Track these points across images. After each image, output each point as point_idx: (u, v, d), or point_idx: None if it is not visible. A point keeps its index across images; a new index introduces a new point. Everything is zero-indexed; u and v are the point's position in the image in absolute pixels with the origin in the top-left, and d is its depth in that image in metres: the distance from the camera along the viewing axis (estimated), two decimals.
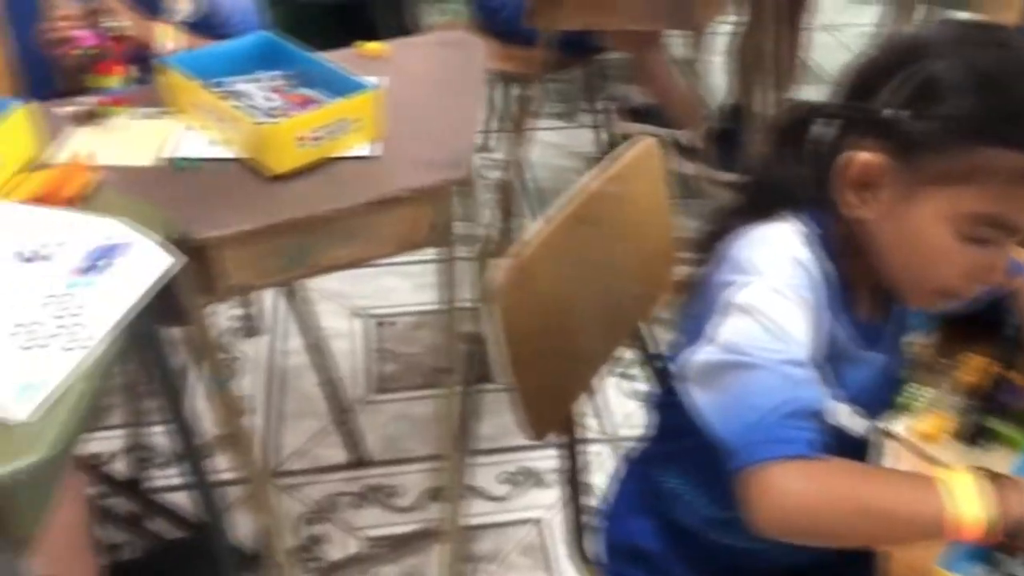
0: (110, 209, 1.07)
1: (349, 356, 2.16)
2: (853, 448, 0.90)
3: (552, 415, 1.05)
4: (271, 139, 1.18)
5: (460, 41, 1.61)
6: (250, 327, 2.21)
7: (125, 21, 1.31)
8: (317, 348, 1.87)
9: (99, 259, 0.98)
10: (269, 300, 2.27)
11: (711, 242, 0.89)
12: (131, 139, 1.27)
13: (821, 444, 0.76)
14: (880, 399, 0.95)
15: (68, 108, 1.30)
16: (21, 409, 0.83)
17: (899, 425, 0.96)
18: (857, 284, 0.88)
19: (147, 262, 1.01)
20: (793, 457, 0.73)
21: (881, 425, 0.96)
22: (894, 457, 0.95)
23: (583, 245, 1.05)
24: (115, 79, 1.26)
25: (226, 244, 1.17)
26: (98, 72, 1.25)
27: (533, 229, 1.01)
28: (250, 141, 1.22)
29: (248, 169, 1.24)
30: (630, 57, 2.50)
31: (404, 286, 2.39)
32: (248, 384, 2.06)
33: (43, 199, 1.09)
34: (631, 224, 1.12)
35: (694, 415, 0.81)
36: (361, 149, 1.28)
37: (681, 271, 1.17)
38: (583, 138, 2.91)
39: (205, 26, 1.51)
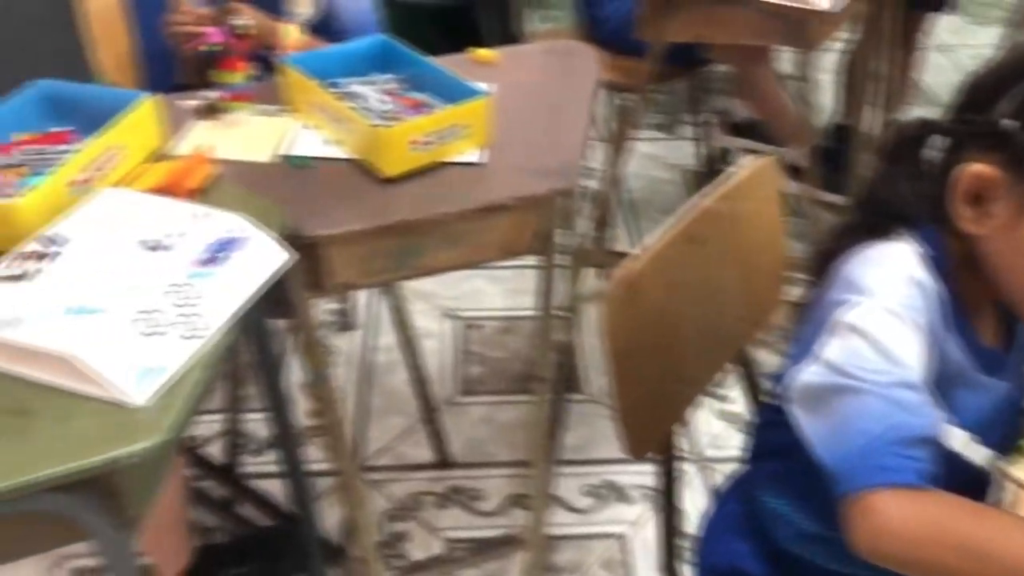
0: (229, 203, 1.10)
1: (437, 356, 2.18)
2: (970, 480, 0.87)
3: (651, 433, 1.03)
4: (385, 142, 1.19)
5: (572, 51, 1.61)
6: (344, 322, 2.25)
7: (249, 20, 1.34)
8: (409, 347, 1.89)
9: (219, 252, 1.01)
10: (363, 296, 2.31)
11: (823, 262, 0.88)
12: (249, 135, 1.31)
13: (932, 474, 0.74)
14: (1000, 430, 0.92)
15: (190, 102, 1.34)
16: (141, 394, 0.86)
17: (1022, 470, 0.92)
18: (976, 305, 0.86)
19: (264, 257, 1.04)
20: (901, 485, 0.72)
21: (1002, 462, 0.92)
22: (1013, 500, 0.91)
23: (692, 263, 1.04)
24: (238, 76, 1.30)
25: (336, 242, 1.19)
26: (222, 68, 1.29)
27: (643, 244, 1.00)
28: (364, 143, 1.24)
29: (360, 170, 1.26)
30: (736, 71, 2.46)
31: (494, 290, 2.40)
32: (339, 378, 2.10)
33: (166, 189, 1.12)
34: (742, 244, 1.10)
35: (799, 435, 0.79)
36: (470, 155, 1.29)
37: (789, 293, 1.15)
38: (682, 151, 2.88)
39: (324, 28, 1.55)
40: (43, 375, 0.89)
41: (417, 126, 1.22)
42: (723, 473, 1.86)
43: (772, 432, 0.97)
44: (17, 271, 0.95)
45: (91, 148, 1.12)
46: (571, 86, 1.49)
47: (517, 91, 1.46)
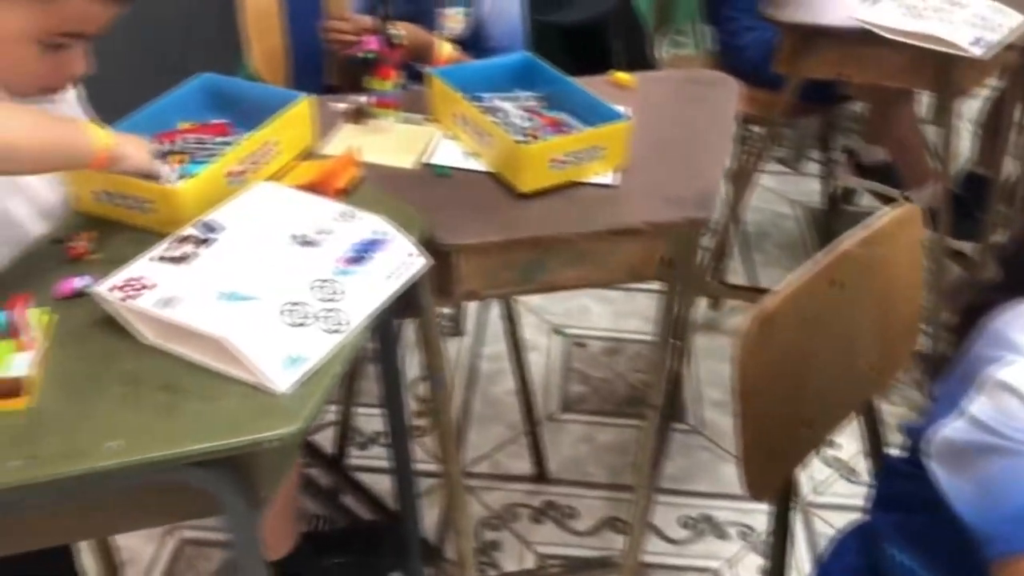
0: (373, 205, 1.14)
1: (541, 370, 2.19)
2: None
3: (772, 476, 1.02)
4: (526, 158, 1.22)
5: (713, 80, 1.60)
6: (454, 327, 2.29)
7: (402, 31, 1.39)
8: (517, 358, 1.91)
9: (363, 251, 1.04)
10: (473, 304, 2.35)
11: (970, 316, 0.86)
12: (394, 141, 1.35)
13: None
14: None
15: (340, 105, 1.40)
16: (284, 381, 0.90)
17: None
18: None
19: (404, 261, 1.07)
20: None
21: None
22: None
23: (829, 306, 1.02)
24: (389, 83, 1.34)
25: (468, 252, 1.22)
26: (376, 75, 1.33)
27: (781, 283, 0.99)
28: (504, 157, 1.27)
29: (496, 183, 1.29)
30: (875, 111, 2.40)
31: (601, 310, 2.40)
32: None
33: (316, 187, 1.17)
34: (880, 291, 1.08)
35: (936, 490, 0.78)
36: (604, 177, 1.30)
37: (923, 343, 1.12)
38: (805, 187, 2.83)
39: (473, 44, 1.59)
40: (193, 354, 0.94)
41: (557, 145, 1.24)
42: (824, 519, 1.82)
43: (902, 483, 0.95)
44: (176, 253, 1.01)
45: (250, 142, 1.18)
46: (711, 116, 1.49)
47: (654, 116, 1.47)
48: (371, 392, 1.95)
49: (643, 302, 2.41)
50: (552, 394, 2.14)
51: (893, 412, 1.07)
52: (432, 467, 1.85)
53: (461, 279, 1.25)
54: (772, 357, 0.97)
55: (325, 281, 0.99)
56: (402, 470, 1.44)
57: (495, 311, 2.30)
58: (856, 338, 1.06)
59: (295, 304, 0.96)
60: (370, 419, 1.99)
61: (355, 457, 1.90)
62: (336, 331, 0.96)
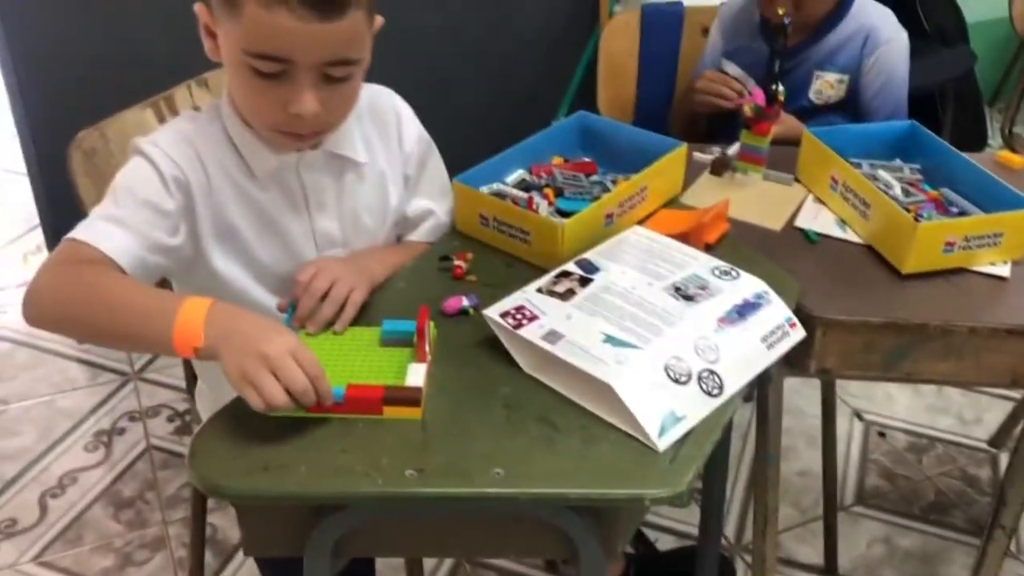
0: (743, 264, 1.09)
1: (841, 456, 2.04)
2: None
3: None
4: (920, 237, 1.12)
5: None
6: (747, 392, 2.19)
7: (781, 86, 1.34)
8: (826, 440, 1.79)
9: (742, 312, 1.00)
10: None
11: None
12: (760, 199, 1.30)
13: None
14: None
15: (707, 156, 1.37)
16: (663, 440, 0.87)
17: None
18: None
19: (781, 328, 1.01)
20: None
21: None
22: None
23: None
24: (765, 140, 1.30)
25: (835, 328, 1.14)
26: (754, 130, 1.29)
27: None
28: (889, 232, 1.18)
29: (873, 257, 1.20)
30: None
31: (910, 402, 2.21)
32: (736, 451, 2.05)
33: (686, 237, 1.14)
34: None
35: None
36: (998, 268, 1.18)
37: None
38: None
39: (839, 106, 1.52)
40: (568, 391, 0.93)
41: (957, 227, 1.13)
42: None
43: None
44: (559, 288, 1.01)
45: (629, 185, 1.18)
46: None
47: None
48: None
49: (957, 399, 2.20)
50: (848, 483, 1.99)
51: None
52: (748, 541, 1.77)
53: (818, 354, 1.17)
54: None
55: (706, 339, 0.96)
56: (709, 540, 1.38)
57: (790, 380, 2.18)
58: None
59: (678, 359, 0.93)
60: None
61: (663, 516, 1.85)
62: (713, 395, 0.92)
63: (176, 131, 1.06)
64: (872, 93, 1.54)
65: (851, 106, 1.54)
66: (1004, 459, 2.03)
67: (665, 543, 1.79)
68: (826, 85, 1.52)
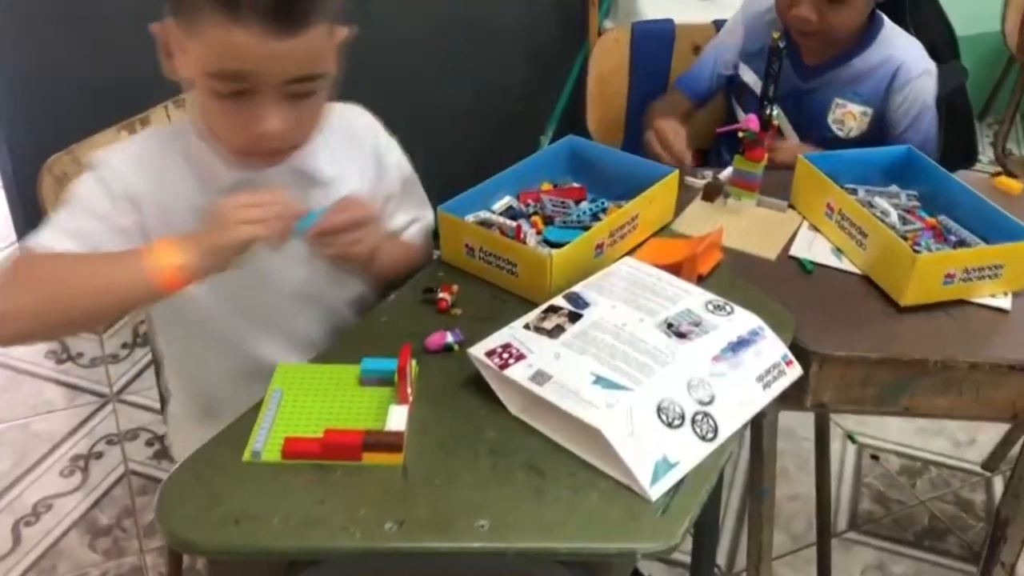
0: (737, 297, 1.05)
1: (834, 479, 2.00)
2: None
3: None
4: (920, 269, 1.09)
5: None
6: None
7: (776, 109, 1.31)
8: (820, 466, 1.76)
9: (737, 351, 0.96)
10: None
11: None
12: (753, 226, 1.26)
13: None
14: None
15: (698, 181, 1.33)
16: (655, 489, 0.83)
17: None
18: None
19: (777, 366, 0.98)
20: None
21: None
22: None
23: None
24: (759, 166, 1.26)
25: (831, 362, 1.10)
26: (747, 156, 1.25)
27: None
28: (886, 262, 1.14)
29: (870, 288, 1.17)
30: None
31: (903, 425, 2.18)
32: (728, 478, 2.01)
33: (679, 268, 1.10)
34: None
35: None
36: (998, 300, 1.15)
37: None
38: None
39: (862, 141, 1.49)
40: (556, 434, 0.89)
41: (957, 259, 1.10)
42: None
43: None
44: (547, 325, 0.97)
45: (620, 215, 1.14)
46: None
47: None
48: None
49: (951, 423, 2.16)
50: (841, 508, 1.95)
51: None
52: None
53: (814, 389, 1.14)
54: None
55: (699, 380, 0.92)
56: (701, 566, 1.34)
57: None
58: None
59: (670, 401, 0.89)
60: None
61: None
62: (707, 439, 0.89)
63: (136, 146, 1.06)
64: (902, 128, 1.50)
65: (877, 143, 1.48)
66: (998, 483, 2.01)
67: (657, 571, 1.75)
68: (849, 116, 1.47)
